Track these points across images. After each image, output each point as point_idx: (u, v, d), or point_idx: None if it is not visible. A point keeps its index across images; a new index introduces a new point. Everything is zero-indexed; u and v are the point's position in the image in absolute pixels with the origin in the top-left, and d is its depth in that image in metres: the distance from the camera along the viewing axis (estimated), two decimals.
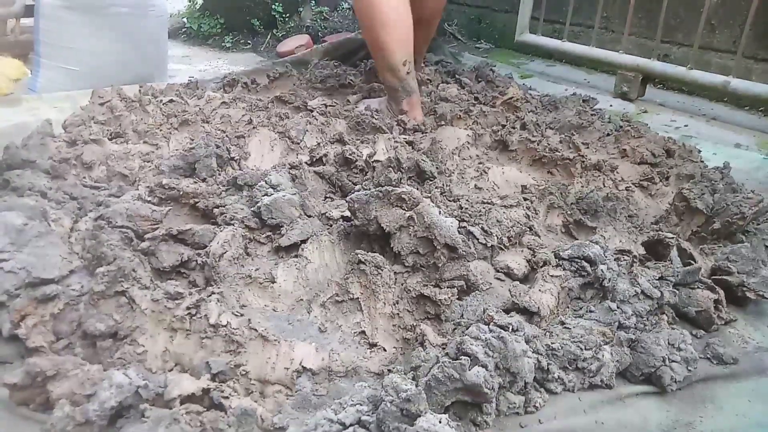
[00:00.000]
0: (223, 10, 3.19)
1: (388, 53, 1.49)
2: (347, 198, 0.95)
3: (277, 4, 3.14)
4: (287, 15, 3.20)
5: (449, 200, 1.12)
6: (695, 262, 0.96)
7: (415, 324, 0.83)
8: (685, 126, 1.87)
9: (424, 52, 2.05)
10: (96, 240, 0.83)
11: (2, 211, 0.83)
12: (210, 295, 0.78)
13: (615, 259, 0.93)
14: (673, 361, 0.78)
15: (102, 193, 1.00)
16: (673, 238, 0.97)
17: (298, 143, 1.28)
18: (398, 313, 0.85)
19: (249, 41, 3.14)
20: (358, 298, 0.86)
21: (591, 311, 0.85)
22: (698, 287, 0.91)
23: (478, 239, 0.97)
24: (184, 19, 3.30)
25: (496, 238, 0.99)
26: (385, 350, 0.81)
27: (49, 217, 0.88)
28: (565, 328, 0.81)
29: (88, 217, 0.92)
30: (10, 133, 1.21)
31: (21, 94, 1.75)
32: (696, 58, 1.99)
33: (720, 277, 0.93)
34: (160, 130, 1.25)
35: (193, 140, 1.22)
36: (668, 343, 0.79)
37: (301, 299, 0.88)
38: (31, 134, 1.14)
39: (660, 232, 1.01)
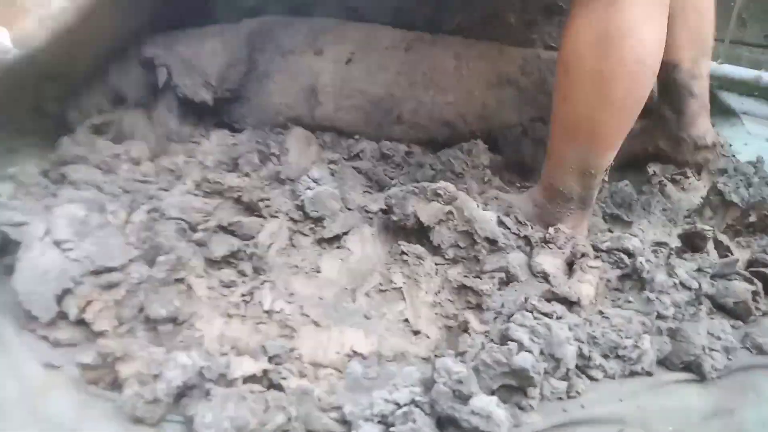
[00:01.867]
0: None
1: (604, 144, 0.90)
2: (384, 195, 0.98)
3: None
4: None
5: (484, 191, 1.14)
6: (732, 254, 0.97)
7: (457, 313, 0.86)
8: (714, 122, 1.87)
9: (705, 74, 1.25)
10: (153, 231, 0.87)
11: (64, 203, 0.87)
12: (263, 283, 0.82)
13: (652, 251, 0.94)
14: (712, 349, 0.80)
15: (152, 187, 1.04)
16: (710, 230, 0.99)
17: (334, 144, 1.32)
18: (440, 302, 0.88)
19: None
20: (400, 287, 0.89)
21: (630, 302, 0.87)
22: (735, 279, 0.92)
23: (511, 230, 1.00)
24: None
25: (530, 228, 1.01)
26: (428, 337, 0.84)
27: (106, 209, 0.92)
28: (605, 317, 0.83)
29: (142, 209, 0.96)
30: None
31: None
32: (727, 54, 1.98)
33: (757, 269, 0.95)
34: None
35: (233, 136, 1.26)
36: (707, 333, 0.81)
37: (346, 288, 0.91)
38: (78, 130, 1.19)
39: (696, 225, 1.02)
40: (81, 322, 0.78)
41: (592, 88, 0.86)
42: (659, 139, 1.24)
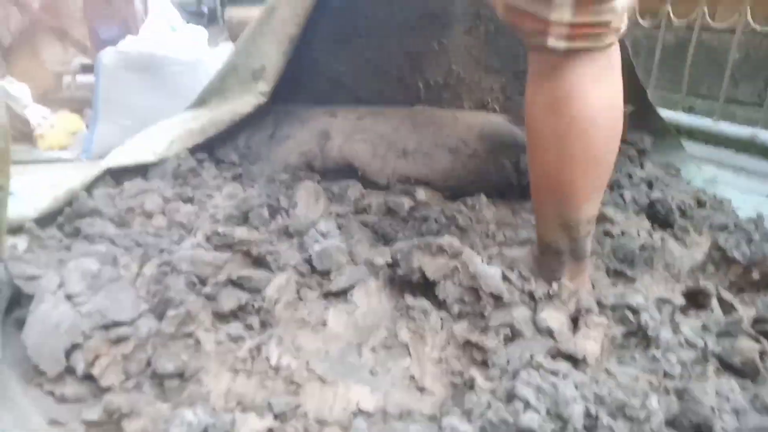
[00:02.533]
0: None
1: (576, 200, 0.93)
2: (390, 249, 1.00)
3: None
4: None
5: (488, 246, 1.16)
6: (737, 311, 0.97)
7: (462, 369, 0.86)
8: (714, 177, 1.90)
9: None
10: (163, 284, 0.89)
11: (78, 257, 0.89)
12: (270, 338, 0.83)
13: (656, 308, 0.95)
14: (722, 411, 0.79)
15: (164, 241, 1.06)
16: (713, 287, 1.00)
17: (342, 197, 1.35)
18: (446, 358, 0.88)
19: None
20: (406, 342, 0.90)
21: (635, 359, 0.87)
22: (742, 337, 0.92)
23: (515, 285, 1.01)
24: None
25: (533, 283, 1.02)
26: (434, 394, 0.83)
27: (119, 262, 0.94)
28: (611, 375, 0.83)
29: (152, 263, 0.98)
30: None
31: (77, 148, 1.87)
32: (721, 111, 2.03)
33: (763, 328, 0.95)
34: (214, 181, 1.32)
35: (245, 190, 1.29)
36: (716, 393, 0.80)
37: (352, 343, 0.92)
38: (97, 185, 1.23)
39: (700, 281, 1.03)
40: (88, 377, 0.79)
41: (551, 148, 0.90)
42: None
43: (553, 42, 0.83)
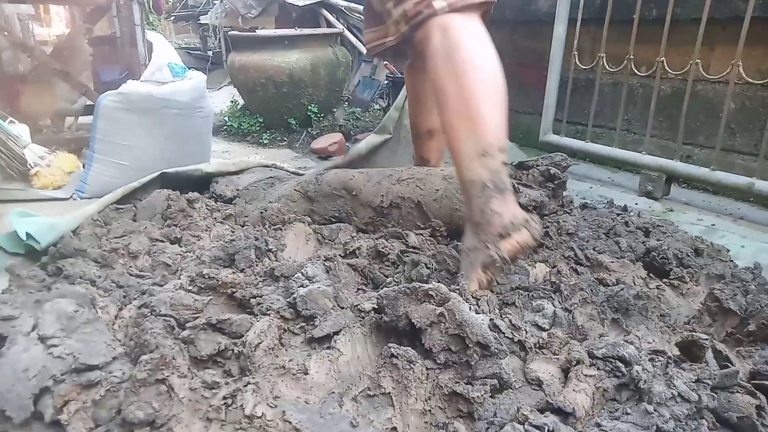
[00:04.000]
0: (262, 110, 3.42)
1: (482, 127, 1.08)
2: (377, 294, 0.98)
3: (312, 105, 3.35)
4: (322, 115, 3.40)
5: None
6: (732, 364, 0.94)
7: (447, 422, 0.82)
8: (712, 225, 1.89)
9: (441, 164, 1.80)
10: (140, 328, 0.86)
11: (56, 298, 0.87)
12: (246, 385, 0.80)
13: (649, 360, 0.92)
14: None
15: (146, 282, 1.04)
16: (707, 339, 0.96)
17: (332, 240, 1.33)
18: (430, 410, 0.85)
19: (285, 138, 3.32)
20: (389, 392, 0.86)
21: (627, 413, 0.83)
22: (738, 392, 0.89)
23: (505, 334, 0.98)
24: (226, 118, 3.53)
25: (524, 332, 1.00)
26: None
27: (97, 304, 0.92)
28: (602, 430, 0.80)
29: (132, 305, 0.96)
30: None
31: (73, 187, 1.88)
32: (719, 160, 2.04)
33: (760, 382, 0.91)
34: (204, 221, 1.32)
35: (233, 232, 1.28)
36: None
37: (333, 392, 0.88)
38: (82, 225, 1.22)
39: (694, 333, 1.00)
40: (56, 423, 0.76)
41: (456, 89, 1.11)
42: None
43: (439, 3, 1.13)
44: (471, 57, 1.11)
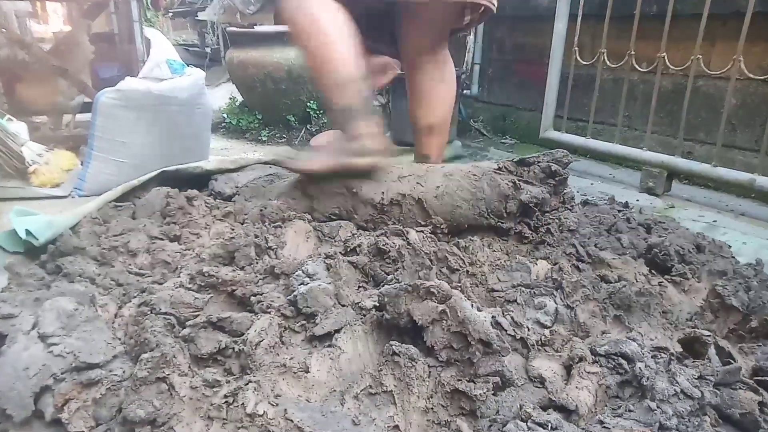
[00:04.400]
0: (260, 107, 3.41)
1: (335, 64, 1.31)
2: (378, 291, 0.97)
3: (311, 102, 3.34)
4: (321, 111, 3.40)
5: (480, 290, 1.13)
6: (735, 361, 0.94)
7: (449, 420, 0.82)
8: (714, 222, 1.88)
9: (440, 160, 1.87)
10: (140, 326, 0.86)
11: (56, 296, 0.87)
12: (247, 384, 0.79)
13: (652, 357, 0.91)
14: None
15: (146, 280, 1.04)
16: (710, 335, 0.96)
17: (332, 237, 1.33)
18: (432, 408, 0.84)
19: (284, 135, 3.32)
20: (391, 390, 0.86)
21: (630, 410, 0.83)
22: (740, 388, 0.89)
23: (507, 331, 0.98)
24: (225, 115, 3.52)
25: (526, 329, 0.99)
26: None
27: (97, 302, 0.91)
28: (605, 427, 0.79)
29: (132, 303, 0.96)
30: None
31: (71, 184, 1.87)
32: (720, 156, 2.03)
33: (763, 378, 0.91)
34: (203, 219, 1.31)
35: (233, 229, 1.28)
36: None
37: (335, 390, 0.88)
38: (82, 222, 1.21)
39: (696, 330, 1.00)
40: (56, 422, 0.75)
41: (302, 32, 1.34)
42: None
43: None
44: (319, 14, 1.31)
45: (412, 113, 1.79)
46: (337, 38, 1.32)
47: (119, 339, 0.89)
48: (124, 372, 0.81)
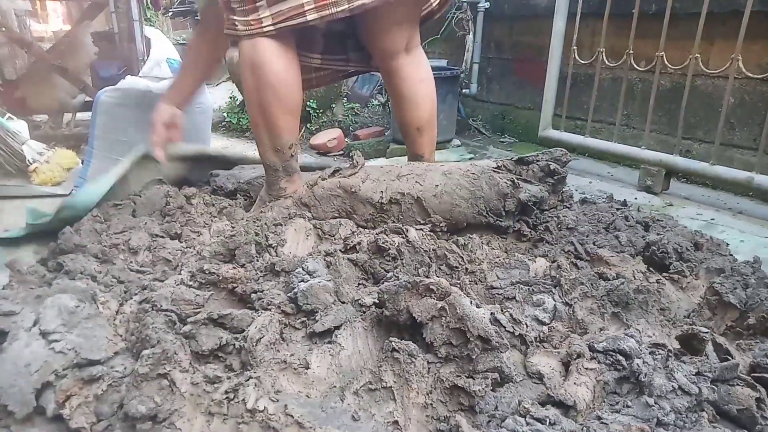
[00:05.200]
0: None
1: (277, 131, 1.41)
2: (378, 289, 0.98)
3: (311, 100, 3.35)
4: (321, 110, 3.40)
5: (479, 287, 1.14)
6: (732, 357, 0.94)
7: (448, 415, 0.83)
8: (712, 220, 1.89)
9: (433, 157, 1.86)
10: (141, 323, 0.86)
11: (57, 293, 0.87)
12: (247, 380, 0.80)
13: (650, 353, 0.92)
14: None
15: (147, 278, 1.04)
16: (707, 332, 0.97)
17: (332, 235, 1.33)
18: (431, 404, 0.85)
19: None
20: (391, 386, 0.86)
21: (628, 406, 0.83)
22: (738, 384, 0.89)
23: (505, 328, 0.98)
24: (225, 114, 3.53)
25: (525, 326, 1.00)
26: None
27: (98, 299, 0.92)
28: (602, 423, 0.80)
29: (134, 300, 0.96)
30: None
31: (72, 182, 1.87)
32: (718, 154, 2.04)
33: (760, 375, 0.92)
34: (202, 217, 1.32)
35: (233, 227, 1.28)
36: None
37: (334, 386, 0.89)
38: (83, 221, 1.22)
39: (694, 326, 1.00)
40: (58, 418, 0.76)
41: (254, 97, 1.39)
42: None
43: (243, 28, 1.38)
44: (268, 75, 1.37)
45: (398, 116, 1.77)
46: (286, 107, 1.41)
47: (120, 336, 0.90)
48: (125, 368, 0.81)
